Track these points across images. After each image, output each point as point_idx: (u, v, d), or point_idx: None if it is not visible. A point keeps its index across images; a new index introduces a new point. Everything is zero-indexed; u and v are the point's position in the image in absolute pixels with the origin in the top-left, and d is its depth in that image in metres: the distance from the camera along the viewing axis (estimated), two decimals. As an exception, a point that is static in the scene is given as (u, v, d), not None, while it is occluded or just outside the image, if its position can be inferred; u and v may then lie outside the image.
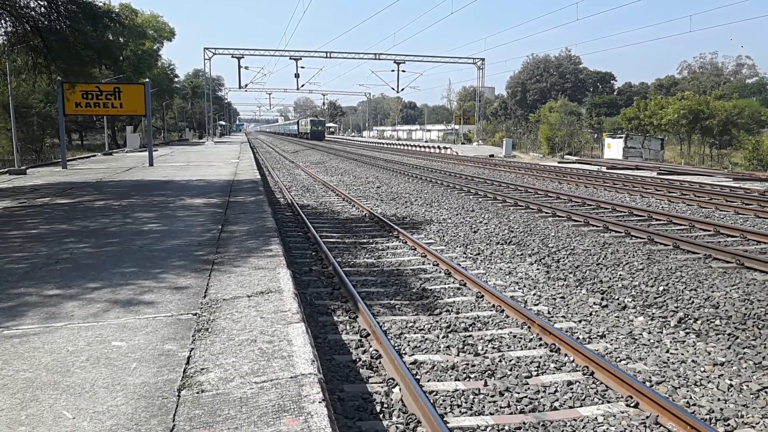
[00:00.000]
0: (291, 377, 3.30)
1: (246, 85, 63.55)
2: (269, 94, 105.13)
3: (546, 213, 13.67)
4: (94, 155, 32.65)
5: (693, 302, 6.90)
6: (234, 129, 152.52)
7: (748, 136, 35.65)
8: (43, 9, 14.06)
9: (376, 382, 4.74)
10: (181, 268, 5.87)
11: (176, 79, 73.14)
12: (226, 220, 8.86)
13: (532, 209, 14.29)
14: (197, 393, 3.13)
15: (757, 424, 4.24)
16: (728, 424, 4.24)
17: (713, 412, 4.40)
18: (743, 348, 5.61)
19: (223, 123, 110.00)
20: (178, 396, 3.10)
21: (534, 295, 7.37)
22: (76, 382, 3.28)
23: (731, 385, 4.83)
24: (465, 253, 9.66)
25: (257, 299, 4.79)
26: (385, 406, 4.35)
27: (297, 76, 58.16)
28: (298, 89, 65.32)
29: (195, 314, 4.43)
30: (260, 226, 8.37)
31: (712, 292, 7.27)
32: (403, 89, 62.51)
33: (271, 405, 2.97)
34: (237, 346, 3.79)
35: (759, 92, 69.93)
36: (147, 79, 25.44)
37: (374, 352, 5.33)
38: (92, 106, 20.90)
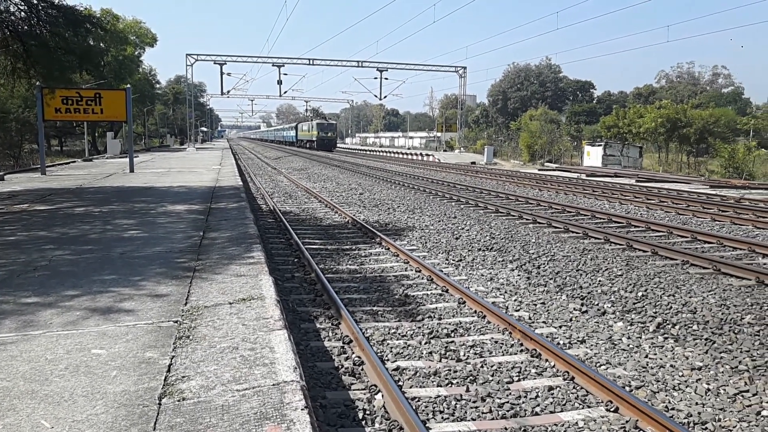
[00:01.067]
0: (273, 384, 3.30)
1: (228, 92, 63.26)
2: (252, 100, 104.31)
3: (527, 220, 13.78)
4: (74, 161, 32.26)
5: (671, 308, 7.00)
6: (216, 135, 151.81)
7: (724, 144, 36.36)
8: (23, 14, 13.93)
9: (358, 389, 4.74)
10: (161, 275, 5.83)
11: (158, 85, 72.78)
12: (207, 226, 8.82)
13: (513, 216, 14.40)
14: (178, 401, 3.11)
15: (734, 427, 4.30)
16: (706, 428, 4.30)
17: (691, 416, 4.46)
18: (720, 353, 5.70)
19: (204, 129, 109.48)
20: (159, 404, 3.08)
21: (515, 301, 7.42)
22: (55, 390, 3.25)
23: (709, 389, 4.91)
24: (447, 260, 9.70)
25: (239, 306, 4.77)
26: (368, 412, 4.35)
27: (280, 82, 58.14)
28: (280, 96, 65.19)
29: (176, 322, 4.40)
30: (242, 232, 8.33)
31: (690, 297, 7.38)
32: (385, 97, 62.18)
33: (253, 413, 2.97)
34: (219, 353, 3.77)
35: (734, 101, 71.31)
36: (128, 85, 25.23)
37: (357, 358, 5.33)
38: (72, 111, 20.66)
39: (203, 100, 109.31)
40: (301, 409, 3.00)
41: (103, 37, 39.55)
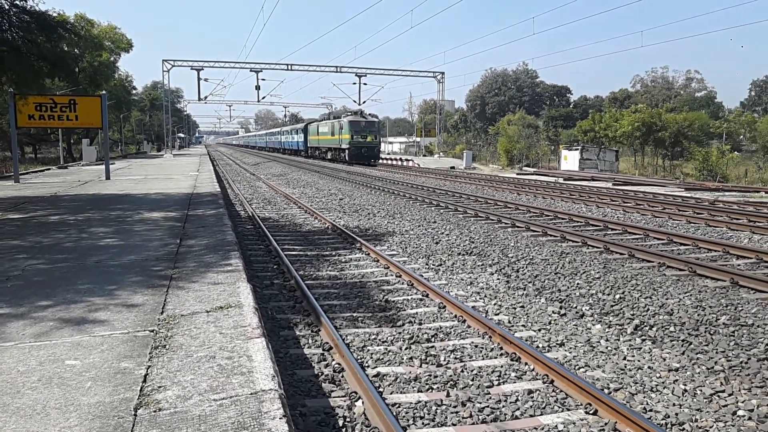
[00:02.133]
0: (251, 393, 3.26)
1: (206, 98, 62.65)
2: (230, 106, 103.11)
3: (506, 224, 13.86)
4: (49, 169, 31.75)
5: (648, 310, 7.07)
6: (194, 141, 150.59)
7: (698, 147, 37.01)
8: (-7, 19, 13.69)
9: (338, 396, 4.71)
10: (138, 284, 5.75)
11: (134, 91, 71.94)
12: (184, 234, 8.72)
13: (492, 220, 14.47)
14: (154, 411, 3.06)
15: (710, 427, 4.35)
16: (683, 429, 4.34)
17: (669, 417, 4.50)
18: (696, 353, 5.77)
19: (182, 135, 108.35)
20: (135, 415, 3.03)
21: (495, 304, 7.45)
22: (27, 403, 3.17)
23: (685, 390, 4.96)
24: (427, 264, 9.71)
25: (216, 314, 4.71)
26: (348, 420, 4.32)
27: (258, 88, 57.73)
28: (258, 101, 64.80)
29: (152, 331, 4.33)
30: (220, 239, 8.26)
31: (667, 299, 7.47)
32: (364, 102, 61.67)
33: (230, 422, 2.93)
34: (195, 362, 3.72)
35: (707, 105, 72.61)
36: (104, 91, 24.96)
37: (337, 365, 5.30)
38: (46, 118, 20.32)
39: (180, 106, 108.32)
40: (279, 418, 2.96)
41: (78, 43, 38.99)
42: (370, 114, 49.12)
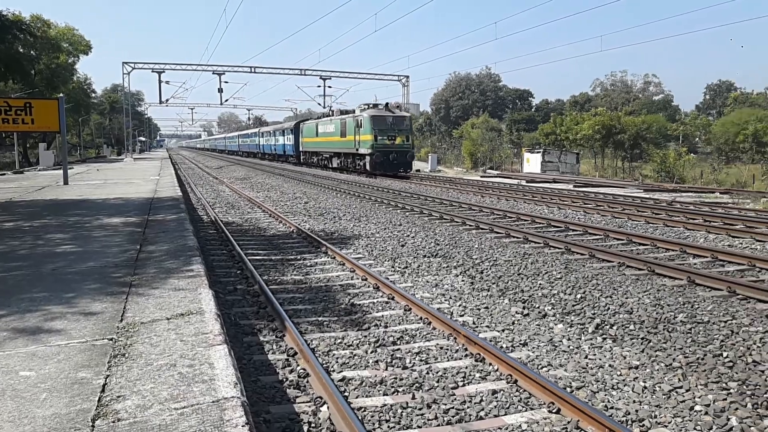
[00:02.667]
0: (213, 401, 3.21)
1: (167, 100, 61.76)
2: (192, 109, 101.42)
3: (470, 226, 13.97)
4: (4, 174, 30.80)
5: (609, 309, 7.21)
6: (155, 145, 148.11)
7: (656, 149, 37.96)
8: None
9: (303, 402, 4.67)
10: (96, 291, 5.61)
11: (93, 94, 70.34)
12: (144, 239, 8.55)
13: (457, 222, 14.58)
14: (113, 422, 2.99)
15: (669, 423, 4.45)
16: (643, 425, 4.43)
17: (629, 414, 4.59)
18: (655, 351, 5.90)
19: (143, 139, 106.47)
20: (92, 426, 2.95)
21: (459, 306, 7.49)
22: (-22, 417, 3.06)
23: (645, 387, 5.06)
24: (393, 267, 9.72)
25: (177, 322, 4.63)
26: (313, 425, 4.29)
27: (220, 90, 57.16)
28: (221, 104, 64.26)
29: (111, 339, 4.23)
30: (181, 245, 8.12)
31: (626, 298, 7.63)
32: (330, 105, 62.39)
33: (191, 431, 2.87)
34: (156, 371, 3.65)
35: (665, 108, 74.58)
36: (61, 94, 24.32)
37: (302, 370, 5.26)
38: (0, 122, 19.74)
39: (141, 109, 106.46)
40: (242, 426, 2.92)
41: (34, 44, 38.03)
42: (396, 106, 36.29)
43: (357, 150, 34.43)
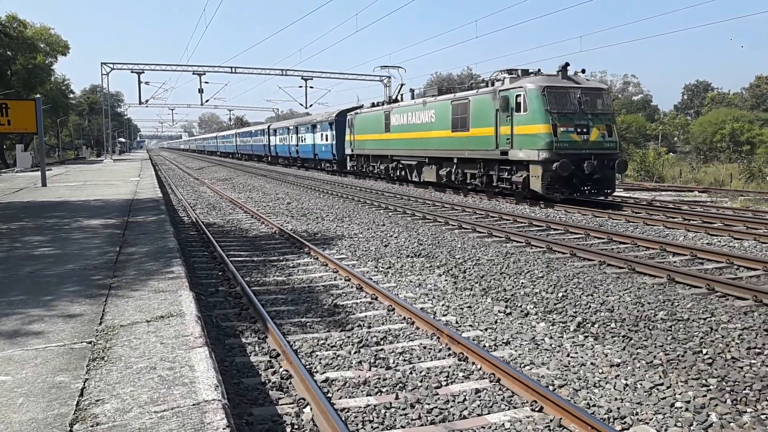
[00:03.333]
0: (193, 404, 3.17)
1: (147, 101, 61.09)
2: (172, 109, 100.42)
3: (453, 225, 14.01)
4: (-22, 176, 30.31)
5: (590, 307, 7.26)
6: (135, 146, 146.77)
7: (636, 149, 38.35)
8: None
9: (286, 404, 4.64)
10: (75, 294, 5.53)
11: (72, 95, 69.49)
12: (124, 241, 8.45)
13: (440, 222, 14.60)
14: (91, 426, 2.94)
15: (650, 420, 4.49)
16: (625, 422, 4.46)
17: (611, 411, 4.62)
18: (636, 348, 5.95)
19: (123, 140, 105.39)
20: (70, 431, 2.90)
21: (443, 305, 7.50)
22: (-49, 424, 3.00)
23: (627, 385, 5.10)
24: (376, 267, 9.71)
25: (157, 324, 4.58)
26: (296, 427, 4.26)
27: (201, 91, 56.60)
28: (202, 105, 63.55)
29: (90, 342, 4.17)
30: (161, 246, 8.04)
31: (607, 296, 7.69)
32: (311, 105, 61.40)
33: (172, 434, 2.84)
34: (135, 374, 3.59)
35: (644, 108, 75.47)
36: (39, 95, 23.98)
37: (284, 372, 5.22)
38: (-25, 123, 19.42)
39: (121, 110, 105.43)
40: (223, 428, 2.89)
41: (9, 44, 37.46)
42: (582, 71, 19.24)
43: (503, 153, 18.88)
